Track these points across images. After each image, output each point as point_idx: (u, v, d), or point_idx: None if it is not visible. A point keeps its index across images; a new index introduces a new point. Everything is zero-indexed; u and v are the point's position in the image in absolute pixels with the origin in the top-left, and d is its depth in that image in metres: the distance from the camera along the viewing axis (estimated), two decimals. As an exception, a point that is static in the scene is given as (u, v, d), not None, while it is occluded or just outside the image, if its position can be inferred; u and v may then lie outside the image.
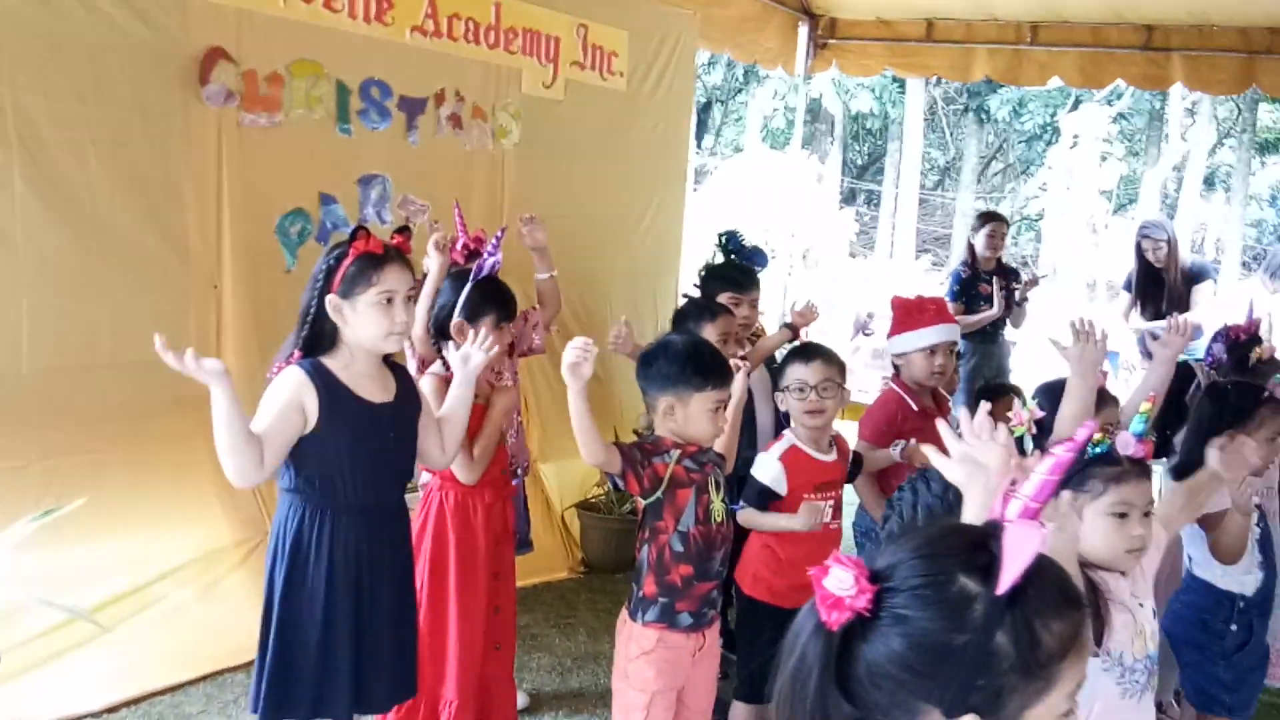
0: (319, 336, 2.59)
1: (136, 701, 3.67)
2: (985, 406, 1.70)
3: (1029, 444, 3.08)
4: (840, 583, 1.19)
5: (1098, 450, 2.27)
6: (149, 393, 3.73)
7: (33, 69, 3.37)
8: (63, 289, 3.52)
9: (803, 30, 7.85)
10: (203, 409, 3.83)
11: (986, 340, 6.68)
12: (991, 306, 6.55)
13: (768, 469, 3.35)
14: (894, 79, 22.92)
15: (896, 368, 4.02)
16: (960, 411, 2.02)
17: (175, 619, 3.83)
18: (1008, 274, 6.78)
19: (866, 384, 6.94)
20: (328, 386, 2.56)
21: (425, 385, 3.09)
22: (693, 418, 2.81)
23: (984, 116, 27.68)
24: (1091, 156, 22.16)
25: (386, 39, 4.30)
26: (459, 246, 3.62)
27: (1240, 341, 4.19)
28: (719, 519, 2.86)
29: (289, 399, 2.52)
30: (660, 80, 5.87)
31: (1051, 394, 3.04)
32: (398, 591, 2.74)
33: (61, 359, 3.54)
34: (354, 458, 2.60)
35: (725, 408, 2.87)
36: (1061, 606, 1.21)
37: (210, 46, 3.74)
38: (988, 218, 6.94)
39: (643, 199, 5.94)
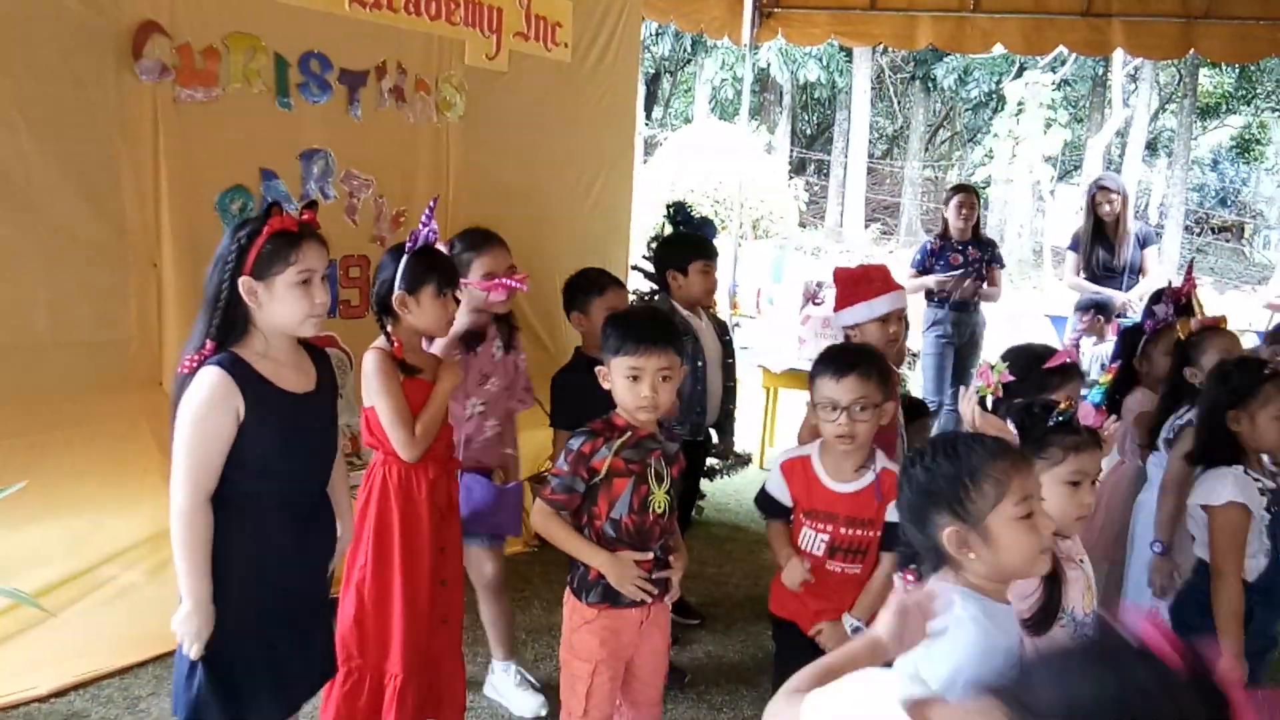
0: (231, 324, 2.43)
1: (85, 685, 3.64)
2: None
3: (989, 404, 3.14)
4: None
5: (1060, 419, 2.34)
6: (90, 373, 3.68)
7: (-42, 43, 3.28)
8: (-2, 269, 3.45)
9: (749, 0, 7.84)
10: (145, 389, 3.80)
11: (961, 310, 6.77)
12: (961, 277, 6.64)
13: (773, 473, 3.16)
14: (841, 48, 22.95)
15: (847, 339, 4.00)
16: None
17: (122, 601, 3.80)
18: (983, 245, 6.89)
19: (817, 352, 6.98)
20: (248, 381, 2.41)
21: (369, 362, 3.06)
22: (615, 384, 2.81)
23: (930, 85, 27.83)
24: (1036, 123, 22.34)
25: (325, 10, 4.23)
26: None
27: (1183, 303, 4.27)
28: (659, 510, 2.85)
29: (219, 407, 2.38)
30: (605, 51, 5.84)
31: (1020, 357, 3.06)
32: (313, 578, 2.67)
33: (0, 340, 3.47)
34: (281, 455, 2.49)
35: (652, 377, 2.75)
36: None
37: (143, 20, 3.66)
38: (957, 189, 7.10)
39: (590, 171, 5.91)
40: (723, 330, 4.61)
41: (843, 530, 3.00)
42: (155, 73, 3.70)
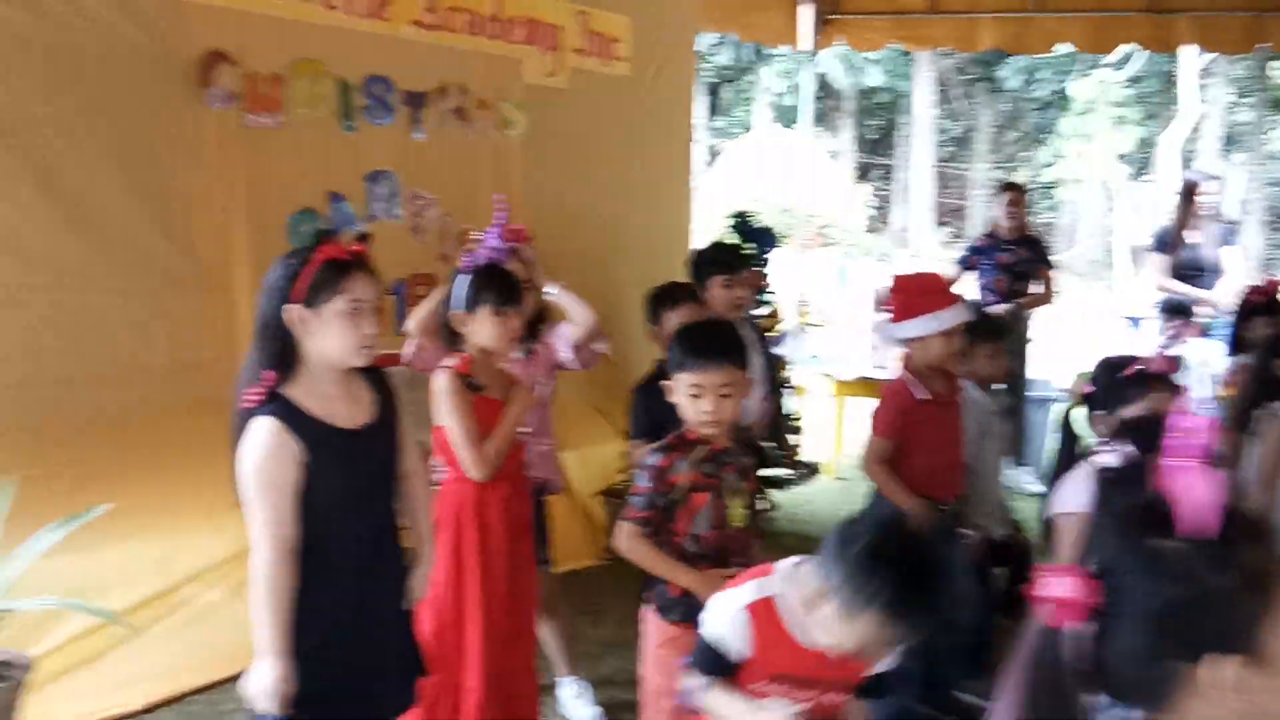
0: (283, 353, 2.37)
1: (173, 701, 3.72)
2: None
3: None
4: (1064, 588, 1.29)
5: None
6: (168, 396, 3.77)
7: (36, 79, 3.40)
8: (78, 296, 3.55)
9: (807, 8, 7.82)
10: (222, 411, 3.87)
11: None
12: (1007, 275, 6.52)
13: (729, 614, 2.23)
14: (902, 52, 22.77)
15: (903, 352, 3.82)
16: None
17: (206, 619, 3.87)
18: (1032, 245, 6.72)
19: (887, 360, 6.91)
20: (304, 428, 2.35)
21: (439, 382, 3.09)
22: (680, 401, 2.78)
23: (996, 86, 27.48)
24: (1105, 122, 21.95)
25: (386, 34, 4.31)
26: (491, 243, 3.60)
27: (1265, 304, 4.15)
28: (736, 524, 2.82)
29: (277, 457, 2.33)
30: (664, 64, 5.86)
31: (1109, 368, 2.99)
32: (389, 609, 2.62)
33: (81, 366, 3.58)
34: (344, 494, 2.43)
35: (713, 393, 2.69)
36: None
37: (210, 49, 3.76)
38: (1005, 188, 6.94)
39: (650, 183, 5.93)
40: (765, 343, 4.55)
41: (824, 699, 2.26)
42: (223, 100, 3.79)
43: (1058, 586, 1.29)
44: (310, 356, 2.40)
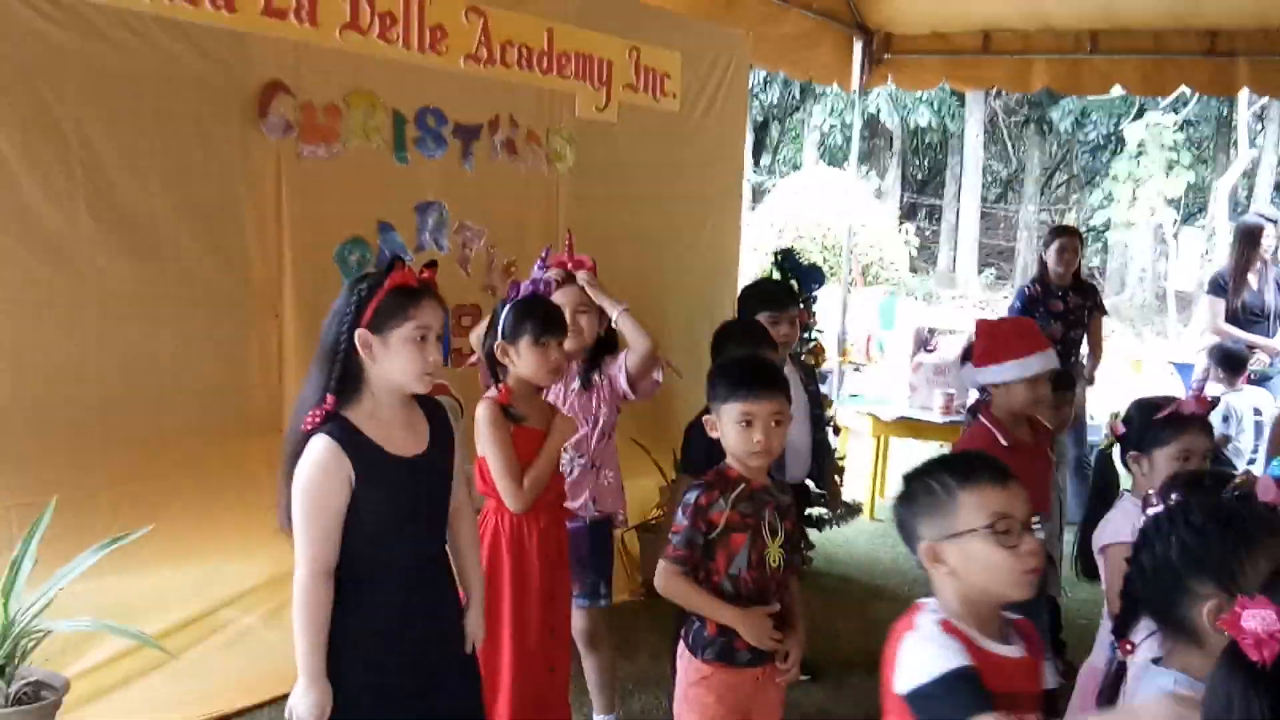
0: (345, 377, 2.40)
1: (206, 725, 3.72)
2: None
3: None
4: (1263, 622, 1.27)
5: (1235, 495, 2.19)
6: (213, 419, 3.80)
7: (96, 103, 3.46)
8: (127, 318, 3.59)
9: (857, 46, 7.82)
10: (266, 436, 3.90)
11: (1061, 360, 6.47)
12: (1061, 323, 6.37)
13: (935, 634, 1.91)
14: (952, 92, 22.69)
15: (983, 399, 3.76)
16: None
17: (241, 644, 3.88)
18: (1085, 292, 6.49)
19: (929, 401, 6.84)
20: (357, 448, 2.37)
21: (480, 413, 3.09)
22: (725, 431, 2.76)
23: (1046, 127, 27.31)
24: (1158, 165, 21.73)
25: (440, 68, 4.35)
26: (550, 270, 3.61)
27: None
28: (774, 564, 2.79)
29: (331, 477, 2.35)
30: (714, 100, 5.87)
31: (1143, 409, 2.99)
32: (438, 641, 2.59)
33: (127, 387, 3.61)
34: (393, 522, 2.44)
35: (765, 422, 2.70)
36: None
37: (269, 80, 3.81)
38: (1059, 232, 6.64)
39: (698, 219, 5.93)
40: (810, 380, 4.52)
41: None
42: (280, 130, 3.84)
43: (1257, 620, 1.27)
44: (373, 382, 2.42)
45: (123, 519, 3.44)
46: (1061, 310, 6.35)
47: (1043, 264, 6.49)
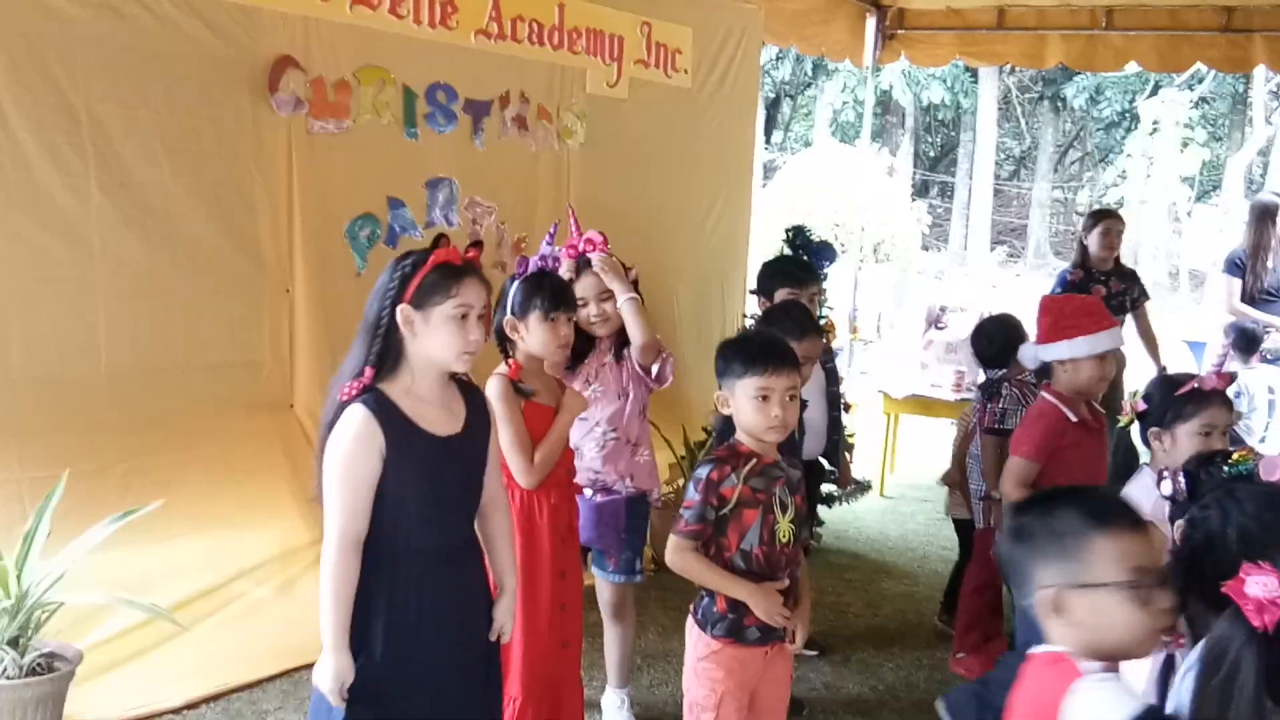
0: (386, 352, 2.39)
1: (216, 698, 3.74)
2: None
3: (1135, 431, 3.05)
4: (1264, 587, 1.28)
5: (1240, 470, 2.17)
6: (224, 395, 3.82)
7: (107, 79, 3.46)
8: (139, 294, 3.60)
9: (870, 21, 7.77)
10: (277, 411, 3.93)
11: None
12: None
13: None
14: (966, 68, 22.57)
15: (1044, 375, 3.71)
16: None
17: (252, 617, 3.90)
18: (1125, 277, 6.25)
19: (940, 379, 6.83)
20: (392, 422, 2.37)
21: (490, 389, 3.09)
22: (739, 407, 2.76)
23: (1060, 104, 27.16)
24: (1172, 143, 21.60)
25: (451, 43, 4.34)
26: (565, 250, 3.58)
27: None
28: (784, 540, 2.79)
29: (365, 447, 2.35)
30: (725, 76, 5.85)
31: (1164, 386, 2.99)
32: (464, 625, 2.56)
33: (138, 363, 3.62)
34: (419, 500, 2.42)
35: (781, 397, 2.68)
36: None
37: (279, 55, 3.81)
38: (1101, 215, 6.38)
39: (709, 195, 5.92)
40: (826, 357, 4.51)
41: None
42: (290, 106, 3.83)
43: (1260, 586, 1.27)
44: (412, 358, 2.42)
45: (135, 493, 3.46)
46: (1104, 295, 6.15)
47: (1083, 248, 6.26)
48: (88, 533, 3.17)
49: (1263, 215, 6.22)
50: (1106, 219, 6.26)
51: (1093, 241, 6.17)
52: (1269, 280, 6.18)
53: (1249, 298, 6.22)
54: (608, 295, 3.58)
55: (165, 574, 3.67)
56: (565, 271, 3.46)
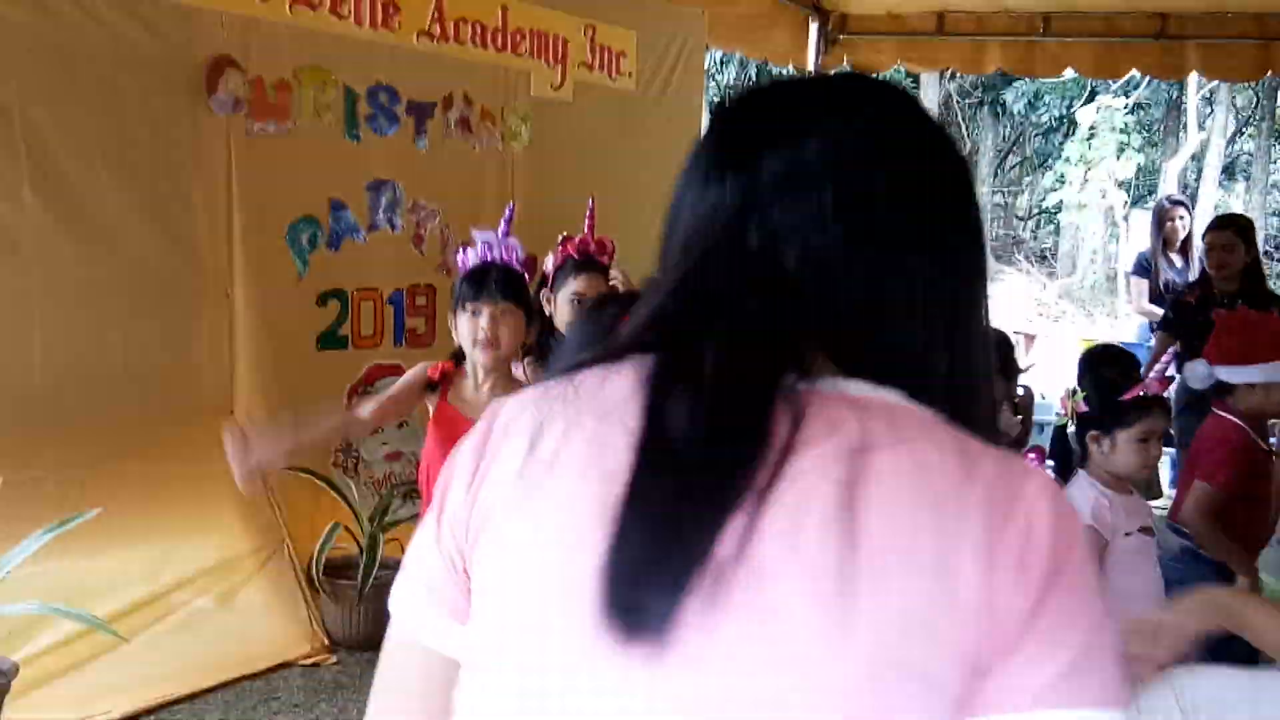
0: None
1: (155, 709, 3.67)
2: None
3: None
4: None
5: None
6: (163, 401, 3.75)
7: (40, 80, 3.38)
8: (74, 299, 3.53)
9: (813, 27, 7.82)
10: (216, 416, 3.85)
11: None
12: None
13: None
14: (908, 74, 22.82)
15: (1221, 395, 3.50)
16: None
17: (193, 627, 3.84)
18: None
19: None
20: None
21: (408, 375, 3.10)
22: None
23: (1000, 110, 27.53)
24: (1109, 148, 21.98)
25: (393, 43, 4.30)
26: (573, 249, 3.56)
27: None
28: None
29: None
30: (670, 80, 5.85)
31: (1104, 388, 2.96)
32: None
33: (74, 370, 3.55)
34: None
35: None
36: None
37: (217, 55, 3.74)
38: (1218, 225, 5.62)
39: (656, 199, 5.86)
40: None
41: None
42: (229, 107, 3.78)
43: None
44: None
45: (71, 502, 3.38)
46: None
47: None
48: (23, 543, 3.10)
49: (1155, 219, 6.50)
50: (1208, 233, 5.53)
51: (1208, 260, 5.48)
52: (1177, 278, 6.36)
53: (1157, 298, 6.42)
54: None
55: (103, 584, 3.60)
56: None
